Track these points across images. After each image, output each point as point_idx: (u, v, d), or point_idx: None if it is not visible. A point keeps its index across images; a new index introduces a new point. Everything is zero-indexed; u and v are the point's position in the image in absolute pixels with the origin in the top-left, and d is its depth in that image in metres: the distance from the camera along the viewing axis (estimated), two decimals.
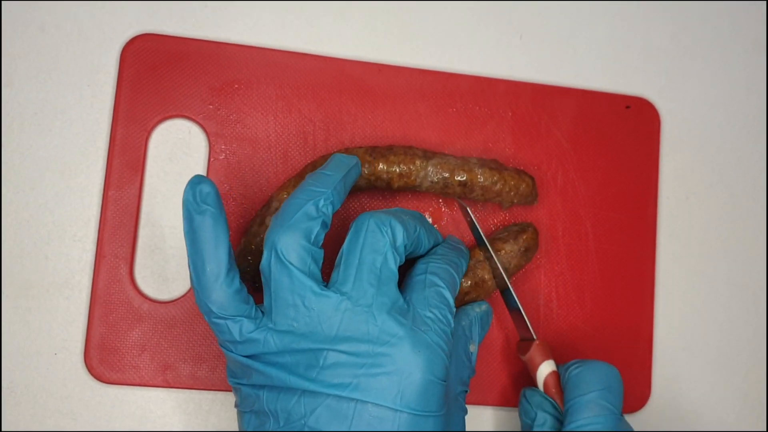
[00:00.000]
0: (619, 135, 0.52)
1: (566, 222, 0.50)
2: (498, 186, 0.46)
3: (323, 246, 0.38)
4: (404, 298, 0.39)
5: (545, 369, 0.43)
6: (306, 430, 0.35)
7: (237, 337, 0.36)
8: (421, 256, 0.43)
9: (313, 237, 0.37)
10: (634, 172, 0.52)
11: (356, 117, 0.49)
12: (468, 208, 0.46)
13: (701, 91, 0.55)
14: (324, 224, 0.37)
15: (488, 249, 0.45)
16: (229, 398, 0.46)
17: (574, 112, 0.51)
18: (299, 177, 0.45)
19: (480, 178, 0.46)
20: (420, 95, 0.50)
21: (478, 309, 0.45)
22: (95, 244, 0.46)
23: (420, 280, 0.40)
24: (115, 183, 0.46)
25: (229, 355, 0.38)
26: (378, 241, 0.38)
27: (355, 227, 0.39)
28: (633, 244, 0.51)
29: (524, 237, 0.47)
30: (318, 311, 0.36)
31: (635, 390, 0.50)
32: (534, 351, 0.44)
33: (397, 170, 0.45)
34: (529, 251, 0.47)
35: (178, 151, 0.47)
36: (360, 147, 0.46)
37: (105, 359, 0.45)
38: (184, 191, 0.36)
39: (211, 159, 0.47)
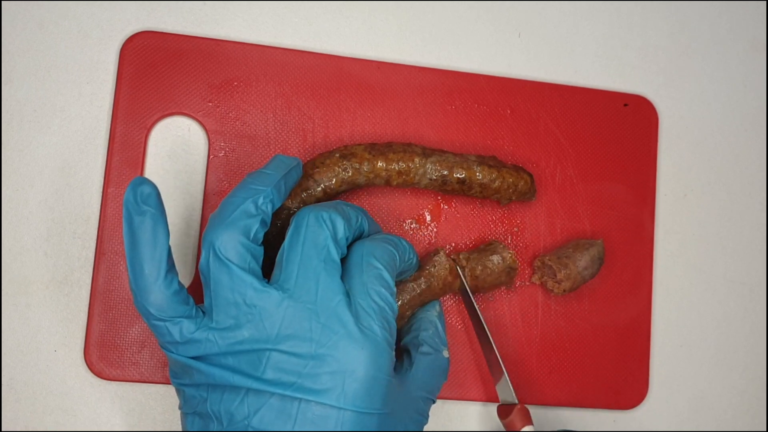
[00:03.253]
0: (617, 132, 0.52)
1: (564, 219, 0.51)
2: (496, 183, 0.46)
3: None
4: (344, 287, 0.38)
5: None
6: (249, 430, 0.35)
7: (177, 338, 0.36)
8: None
9: (252, 234, 0.36)
10: (631, 170, 0.52)
11: (355, 114, 0.49)
12: (462, 273, 0.46)
13: (699, 88, 0.55)
14: (263, 222, 0.37)
15: (473, 306, 0.46)
16: None
17: (572, 109, 0.52)
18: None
19: (478, 176, 0.46)
20: (419, 93, 0.50)
21: (435, 312, 0.44)
22: (95, 241, 0.46)
23: (357, 263, 0.39)
24: (115, 180, 0.46)
25: (170, 356, 0.37)
26: (319, 235, 0.37)
27: (296, 223, 0.38)
28: (631, 241, 0.51)
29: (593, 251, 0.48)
30: (260, 309, 0.36)
31: (632, 387, 0.50)
32: (515, 415, 0.43)
33: (396, 168, 0.45)
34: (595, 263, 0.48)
35: (178, 148, 0.47)
36: (359, 144, 0.46)
37: (105, 356, 0.45)
38: (125, 192, 0.35)
39: (211, 156, 0.47)
